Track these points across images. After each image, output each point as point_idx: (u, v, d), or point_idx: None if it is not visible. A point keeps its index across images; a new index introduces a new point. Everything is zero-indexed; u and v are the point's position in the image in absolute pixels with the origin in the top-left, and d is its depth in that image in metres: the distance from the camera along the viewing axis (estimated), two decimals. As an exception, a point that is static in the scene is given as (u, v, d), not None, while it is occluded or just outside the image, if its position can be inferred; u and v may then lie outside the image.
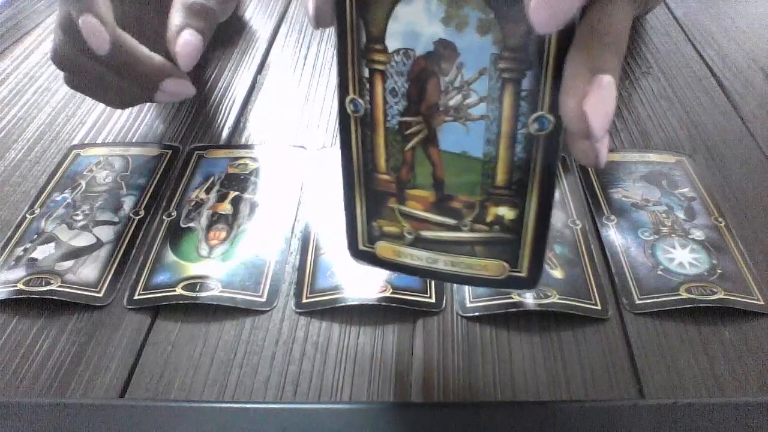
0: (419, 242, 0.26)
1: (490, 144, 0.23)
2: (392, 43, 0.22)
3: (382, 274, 0.38)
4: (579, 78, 0.20)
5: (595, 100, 0.20)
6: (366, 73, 0.23)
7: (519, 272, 0.26)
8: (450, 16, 0.21)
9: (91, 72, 0.43)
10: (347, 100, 0.24)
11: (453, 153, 0.24)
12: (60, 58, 0.42)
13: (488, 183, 0.24)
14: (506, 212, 0.24)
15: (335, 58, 0.23)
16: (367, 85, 0.23)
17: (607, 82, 0.20)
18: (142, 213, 0.43)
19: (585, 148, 0.22)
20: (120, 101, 0.46)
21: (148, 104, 0.55)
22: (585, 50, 0.20)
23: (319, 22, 0.23)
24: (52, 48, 0.42)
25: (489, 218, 0.25)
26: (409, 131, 0.24)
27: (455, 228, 0.25)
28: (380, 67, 0.23)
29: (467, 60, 0.21)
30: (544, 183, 0.23)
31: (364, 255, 0.28)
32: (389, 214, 0.26)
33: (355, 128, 0.24)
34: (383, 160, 0.24)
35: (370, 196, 0.26)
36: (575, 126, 0.21)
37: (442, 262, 0.26)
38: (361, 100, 0.23)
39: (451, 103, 0.22)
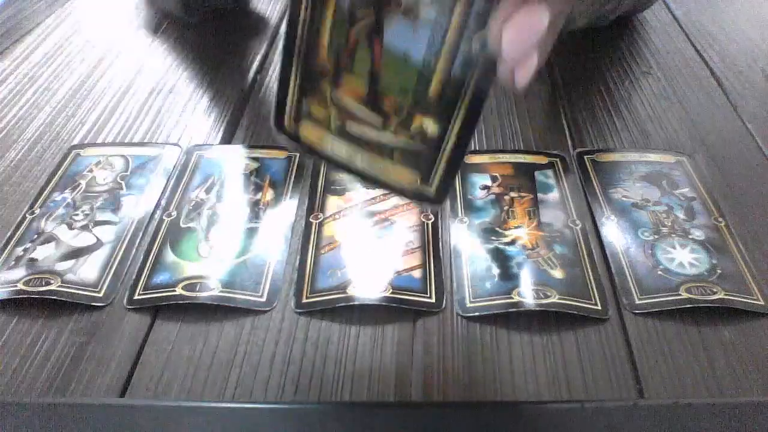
0: (343, 134, 0.26)
1: (431, 51, 0.23)
2: None
3: (384, 276, 0.38)
4: (513, 1, 0.20)
5: (514, 25, 0.20)
6: None
7: (428, 188, 0.26)
8: None
9: None
10: None
11: (395, 50, 0.24)
12: None
13: (421, 90, 0.24)
14: (430, 125, 0.25)
15: None
16: None
17: (532, 9, 0.20)
18: (142, 213, 0.43)
19: (503, 69, 0.22)
20: None
21: (147, 104, 0.55)
22: None
23: None
24: None
25: (413, 126, 0.25)
26: (357, 14, 0.23)
27: (379, 128, 0.25)
28: None
29: None
30: (473, 105, 0.23)
31: (287, 133, 0.28)
32: (320, 95, 0.26)
33: (305, 3, 0.24)
34: (326, 40, 0.24)
35: (306, 73, 0.25)
36: (493, 46, 0.21)
37: (360, 159, 0.26)
38: None
39: None
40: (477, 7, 0.21)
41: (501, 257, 0.39)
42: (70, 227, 0.42)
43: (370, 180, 0.27)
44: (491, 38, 0.21)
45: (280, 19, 0.68)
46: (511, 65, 0.21)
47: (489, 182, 0.45)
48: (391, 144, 0.25)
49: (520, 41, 0.20)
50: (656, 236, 0.41)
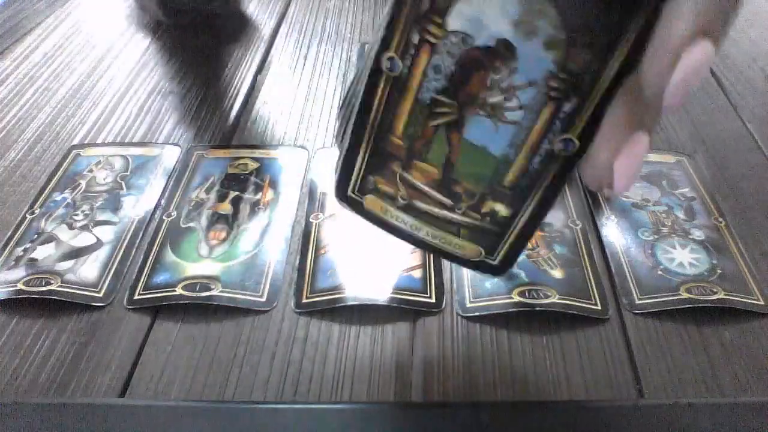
0: (410, 209, 0.26)
1: (512, 147, 0.23)
2: (454, 22, 0.21)
3: (384, 276, 0.38)
4: (618, 130, 0.21)
5: (626, 160, 0.20)
6: (415, 39, 0.22)
7: (492, 260, 0.27)
8: (522, 22, 0.21)
9: None
10: (386, 56, 0.23)
11: (474, 144, 0.24)
12: None
13: (496, 179, 0.24)
14: (502, 209, 0.25)
15: (388, 8, 0.22)
16: (412, 51, 0.22)
17: (642, 142, 0.20)
18: (142, 213, 0.43)
19: (596, 186, 0.23)
20: None
21: (147, 104, 0.55)
22: (631, 103, 0.20)
23: None
24: None
25: (484, 209, 0.25)
26: (439, 110, 0.23)
27: (449, 208, 0.26)
28: (432, 40, 0.22)
29: (522, 67, 0.21)
30: (548, 196, 0.24)
31: (350, 201, 0.28)
32: (389, 175, 0.26)
33: (383, 85, 0.24)
34: (402, 125, 0.24)
35: (376, 153, 0.26)
36: (601, 176, 0.21)
37: (424, 231, 0.27)
38: (400, 62, 0.23)
39: (491, 100, 0.22)
40: (564, 112, 0.22)
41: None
42: (70, 227, 0.42)
43: (431, 250, 0.27)
44: (597, 168, 0.21)
45: (280, 19, 0.69)
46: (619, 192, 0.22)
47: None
48: (458, 222, 0.26)
49: (632, 175, 0.21)
50: (656, 236, 0.41)
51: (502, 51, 0.21)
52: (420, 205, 0.26)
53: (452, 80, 0.23)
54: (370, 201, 0.27)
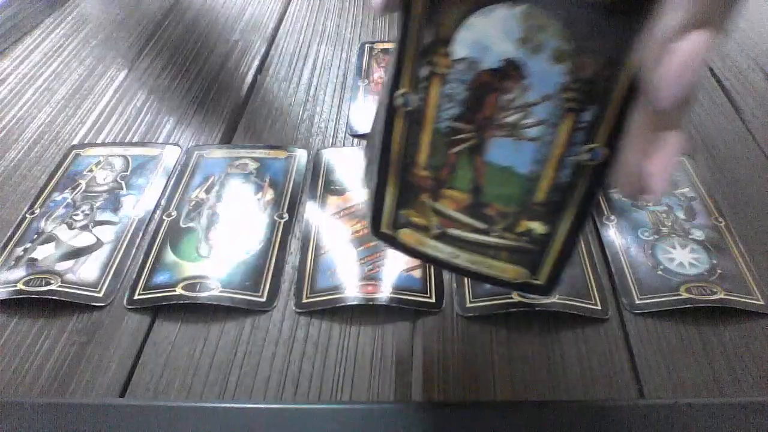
0: (444, 237, 0.26)
1: (537, 164, 0.23)
2: (459, 50, 0.22)
3: (384, 276, 0.38)
4: (645, 132, 0.20)
5: (658, 161, 0.20)
6: (425, 72, 0.22)
7: (537, 280, 0.26)
8: (527, 39, 0.21)
9: None
10: (398, 93, 0.23)
11: (498, 165, 0.24)
12: None
13: (527, 198, 0.24)
14: (538, 227, 0.25)
15: (394, 47, 0.22)
16: (423, 84, 0.23)
17: (673, 142, 0.20)
18: (142, 213, 0.43)
19: (630, 192, 0.22)
20: None
21: (147, 104, 0.55)
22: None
23: (385, 8, 0.22)
24: None
25: (519, 229, 0.25)
26: (457, 137, 0.23)
27: (484, 232, 0.25)
28: (441, 70, 0.22)
29: (533, 83, 0.21)
30: (583, 207, 0.24)
31: (385, 237, 0.28)
32: (420, 207, 0.26)
33: (400, 121, 0.24)
34: (425, 157, 0.24)
35: (404, 187, 0.26)
36: (634, 178, 0.20)
37: (463, 258, 0.26)
38: (413, 97, 0.23)
39: (508, 120, 0.22)
40: (584, 122, 0.21)
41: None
42: (70, 227, 0.42)
43: (475, 276, 0.27)
44: (629, 174, 0.20)
45: (279, 19, 0.69)
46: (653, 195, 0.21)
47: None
48: (496, 245, 0.25)
49: (667, 178, 0.20)
50: (656, 236, 0.41)
51: (511, 70, 0.21)
52: (454, 232, 0.26)
53: (466, 106, 0.23)
54: (405, 235, 0.27)
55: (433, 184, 0.25)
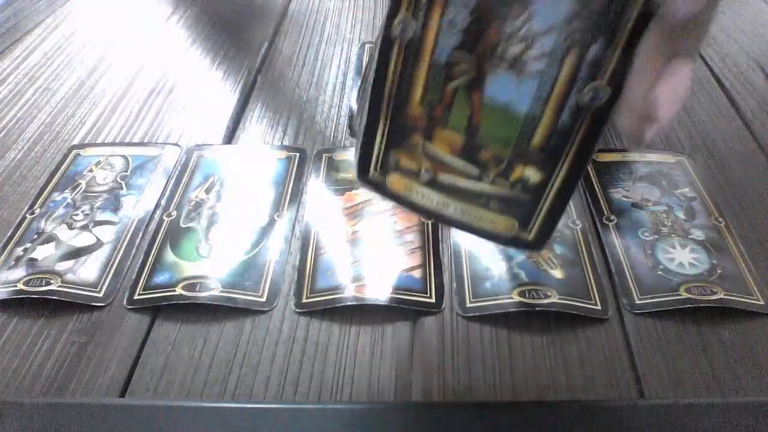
0: (435, 184, 0.25)
1: (537, 102, 0.22)
2: None
3: (384, 276, 0.38)
4: (654, 60, 0.19)
5: (668, 86, 0.19)
6: None
7: (526, 234, 0.25)
8: None
9: None
10: (397, 19, 0.22)
11: (496, 102, 0.22)
12: None
13: (523, 141, 0.23)
14: (533, 174, 0.23)
15: None
16: (424, 8, 0.21)
17: (683, 68, 0.19)
18: (142, 213, 0.43)
19: (637, 128, 0.21)
20: None
21: (147, 104, 0.55)
22: (664, 29, 0.19)
23: None
24: None
25: (513, 176, 0.24)
26: (456, 70, 0.22)
27: (476, 178, 0.24)
28: None
29: (540, 11, 0.20)
30: (581, 155, 0.22)
31: (372, 182, 0.26)
32: (411, 148, 0.25)
33: (396, 54, 0.23)
34: (419, 93, 0.23)
35: (395, 126, 0.24)
36: (642, 108, 0.20)
37: (452, 207, 0.25)
38: (413, 22, 0.22)
39: (511, 51, 0.21)
40: (590, 57, 0.20)
41: (501, 257, 0.39)
42: (70, 227, 0.42)
43: (463, 228, 0.26)
44: (637, 101, 0.20)
45: (280, 19, 0.69)
46: (660, 124, 0.20)
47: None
48: (487, 193, 0.24)
49: (675, 101, 0.19)
50: (656, 236, 0.41)
51: None
52: (446, 178, 0.25)
53: (468, 33, 0.21)
54: (394, 180, 0.26)
55: (426, 123, 0.24)
